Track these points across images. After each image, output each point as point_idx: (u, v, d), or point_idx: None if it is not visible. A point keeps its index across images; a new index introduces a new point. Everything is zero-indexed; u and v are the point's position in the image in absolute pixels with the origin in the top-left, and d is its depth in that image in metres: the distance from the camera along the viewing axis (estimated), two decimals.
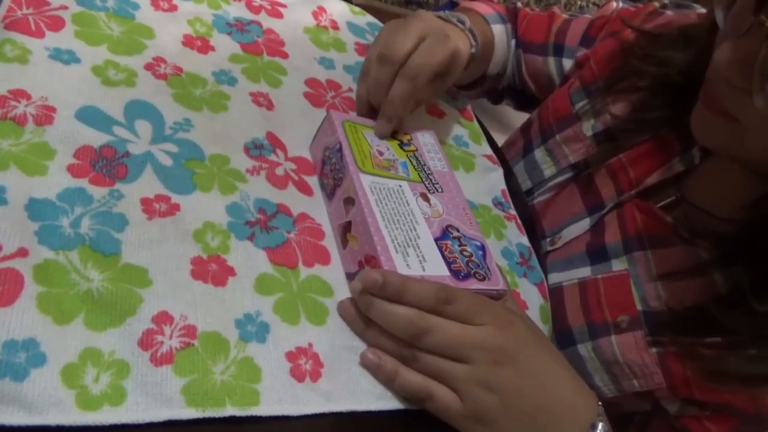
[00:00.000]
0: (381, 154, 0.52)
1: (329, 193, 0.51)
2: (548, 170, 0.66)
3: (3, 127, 0.42)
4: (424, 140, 0.57)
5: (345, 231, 0.47)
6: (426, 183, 0.52)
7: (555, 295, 0.57)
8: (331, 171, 0.50)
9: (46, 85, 0.46)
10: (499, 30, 0.75)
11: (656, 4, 0.67)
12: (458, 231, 0.49)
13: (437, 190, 0.52)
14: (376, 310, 0.41)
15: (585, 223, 0.59)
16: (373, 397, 0.41)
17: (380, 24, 0.75)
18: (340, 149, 0.50)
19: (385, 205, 0.47)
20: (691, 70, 0.53)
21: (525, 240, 0.60)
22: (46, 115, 0.44)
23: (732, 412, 0.47)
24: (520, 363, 0.41)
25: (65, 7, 0.52)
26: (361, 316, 0.43)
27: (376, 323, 0.42)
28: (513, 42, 0.78)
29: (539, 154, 0.68)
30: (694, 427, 0.48)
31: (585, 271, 0.57)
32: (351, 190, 0.47)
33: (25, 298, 0.35)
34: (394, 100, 0.52)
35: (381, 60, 0.53)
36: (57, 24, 0.51)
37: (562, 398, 0.41)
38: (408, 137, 0.56)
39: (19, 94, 0.44)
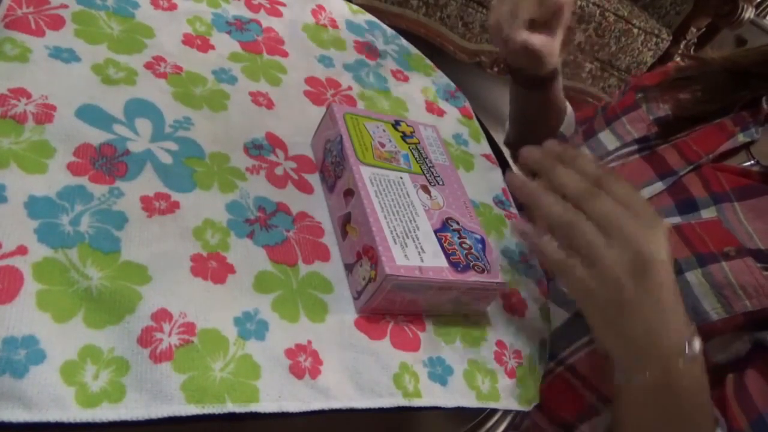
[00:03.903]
0: (382, 145, 0.52)
1: (330, 186, 0.51)
2: (611, 145, 0.69)
3: (3, 125, 0.42)
4: (427, 134, 0.57)
5: (345, 222, 0.48)
6: (427, 175, 0.52)
7: None
8: (332, 163, 0.51)
9: (46, 83, 0.46)
10: None
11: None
12: (458, 224, 0.49)
13: (438, 183, 0.52)
14: (553, 168, 0.44)
15: (658, 186, 0.62)
16: (372, 395, 0.41)
17: (379, 23, 0.76)
18: (341, 141, 0.50)
19: (384, 197, 0.47)
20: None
21: None
22: (46, 114, 0.44)
23: None
24: (654, 277, 0.42)
25: (65, 6, 0.52)
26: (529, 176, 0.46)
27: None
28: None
29: (603, 134, 0.71)
30: None
31: (676, 220, 0.58)
32: (351, 181, 0.47)
33: (24, 295, 0.35)
34: None
35: None
36: (57, 23, 0.51)
37: (674, 318, 0.44)
38: (411, 129, 0.56)
39: (19, 93, 0.44)
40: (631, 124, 0.69)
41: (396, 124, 0.55)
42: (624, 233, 0.42)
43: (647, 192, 0.62)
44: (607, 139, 0.70)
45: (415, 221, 0.47)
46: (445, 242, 0.46)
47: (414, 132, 0.56)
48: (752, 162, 0.59)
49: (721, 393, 0.52)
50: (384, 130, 0.54)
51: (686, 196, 0.60)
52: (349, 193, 0.47)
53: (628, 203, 0.43)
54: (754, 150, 0.60)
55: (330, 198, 0.51)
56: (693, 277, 0.54)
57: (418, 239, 0.45)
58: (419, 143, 0.55)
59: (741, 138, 0.60)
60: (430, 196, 0.50)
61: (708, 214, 0.57)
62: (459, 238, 0.48)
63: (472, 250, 0.47)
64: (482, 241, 0.49)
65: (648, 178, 0.63)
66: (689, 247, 0.56)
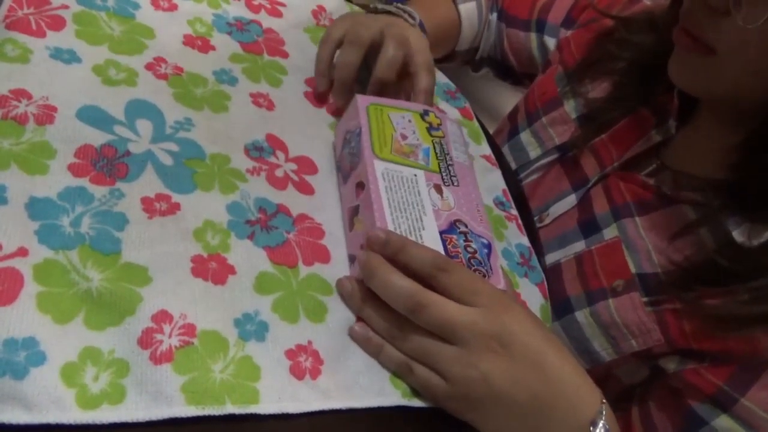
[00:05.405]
0: (404, 137, 0.51)
1: (344, 176, 0.51)
2: (533, 152, 0.68)
3: (4, 126, 0.42)
4: (452, 129, 0.56)
5: (353, 214, 0.48)
6: (443, 174, 0.51)
7: (553, 272, 0.58)
8: (349, 154, 0.51)
9: (47, 84, 0.46)
10: (468, 8, 0.79)
11: None
12: (466, 226, 0.48)
13: (453, 183, 0.51)
14: (378, 280, 0.41)
15: (571, 199, 0.61)
16: (372, 395, 0.41)
17: None
18: (360, 134, 0.50)
19: (394, 193, 0.47)
20: (657, 50, 0.56)
21: (525, 240, 0.60)
22: (47, 115, 0.44)
23: (730, 358, 0.47)
24: (516, 351, 0.40)
25: (66, 7, 0.52)
26: (360, 292, 0.43)
27: (371, 302, 0.43)
28: (495, 15, 0.81)
29: (525, 136, 0.69)
30: (694, 379, 0.48)
31: (579, 245, 0.58)
32: (363, 174, 0.47)
33: (24, 297, 0.35)
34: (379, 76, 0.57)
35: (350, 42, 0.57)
36: (58, 23, 0.51)
37: (562, 392, 0.40)
38: (438, 121, 0.55)
39: (20, 94, 0.44)
40: (552, 127, 0.67)
41: (424, 114, 0.55)
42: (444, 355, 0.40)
43: (562, 207, 0.61)
44: (528, 143, 0.68)
45: (421, 221, 0.46)
46: (449, 244, 0.46)
47: (441, 124, 0.55)
48: (657, 165, 0.58)
49: (626, 417, 0.52)
50: (410, 121, 0.53)
51: (589, 216, 0.59)
52: (361, 186, 0.48)
53: (465, 294, 0.40)
54: (667, 152, 0.58)
55: (343, 188, 0.51)
56: (582, 317, 0.54)
57: (421, 239, 0.45)
58: (444, 137, 0.54)
59: (655, 136, 0.58)
60: (442, 197, 0.49)
61: (610, 233, 0.57)
62: (465, 241, 0.47)
63: (476, 255, 0.47)
64: (488, 246, 0.48)
65: (564, 189, 0.63)
66: (582, 283, 0.55)
